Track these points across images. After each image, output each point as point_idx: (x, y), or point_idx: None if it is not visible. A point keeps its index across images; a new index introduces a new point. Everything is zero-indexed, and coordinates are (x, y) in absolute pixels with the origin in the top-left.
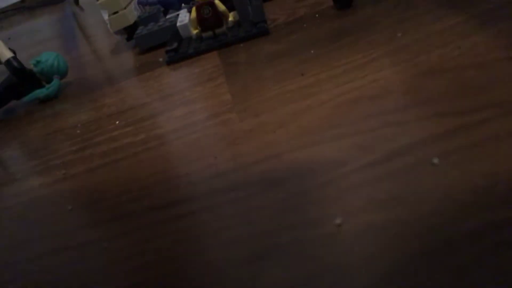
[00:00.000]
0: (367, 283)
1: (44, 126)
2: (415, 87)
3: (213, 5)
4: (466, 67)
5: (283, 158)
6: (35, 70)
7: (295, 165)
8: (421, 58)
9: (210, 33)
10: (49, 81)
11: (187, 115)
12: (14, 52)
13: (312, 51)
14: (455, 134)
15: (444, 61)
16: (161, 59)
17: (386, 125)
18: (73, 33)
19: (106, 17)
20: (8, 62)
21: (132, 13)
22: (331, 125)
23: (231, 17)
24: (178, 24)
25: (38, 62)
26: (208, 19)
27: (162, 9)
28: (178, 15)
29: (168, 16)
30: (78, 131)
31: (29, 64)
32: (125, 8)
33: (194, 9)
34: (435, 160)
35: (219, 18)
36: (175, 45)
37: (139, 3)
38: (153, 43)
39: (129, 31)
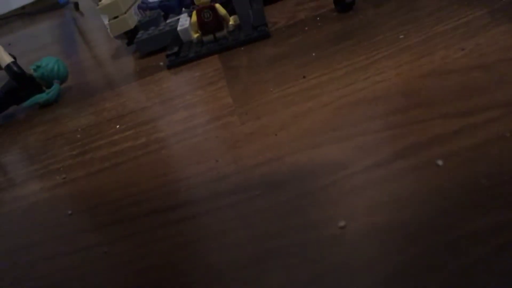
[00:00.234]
0: (371, 285)
1: (44, 131)
2: (418, 88)
3: (213, 9)
4: (470, 68)
5: (285, 161)
6: (35, 75)
7: (296, 167)
8: (424, 60)
9: (210, 36)
10: (49, 86)
11: (187, 119)
12: (14, 58)
13: (313, 54)
14: (459, 135)
15: (448, 62)
16: (161, 63)
17: (389, 127)
18: (73, 38)
19: (106, 21)
20: (8, 67)
21: (132, 18)
22: (333, 127)
23: (231, 21)
24: (178, 28)
25: (38, 67)
26: (209, 23)
27: (162, 13)
28: (178, 19)
29: (168, 21)
30: (78, 136)
31: (29, 69)
32: (125, 12)
33: (194, 13)
34: (439, 162)
35: (220, 21)
36: (175, 49)
37: (139, 7)
38: (154, 47)
39: (130, 36)
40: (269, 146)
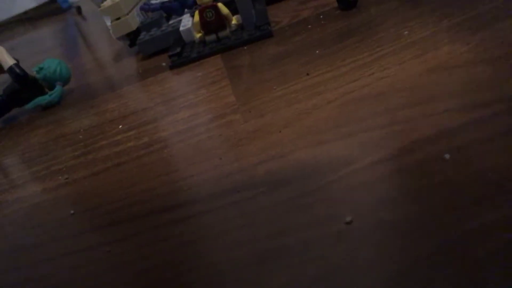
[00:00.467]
0: (379, 282)
1: (46, 133)
2: (423, 83)
3: (216, 8)
4: (476, 62)
5: (289, 158)
6: (38, 77)
7: (301, 164)
8: (429, 55)
9: (213, 36)
10: (51, 87)
11: (190, 118)
12: (17, 61)
13: (317, 52)
14: (466, 129)
15: (453, 57)
16: (164, 64)
17: (395, 122)
18: (75, 42)
19: (108, 23)
20: (10, 69)
21: (134, 19)
22: (337, 124)
23: (234, 20)
24: (181, 28)
25: (40, 69)
26: (211, 23)
27: (164, 15)
28: (181, 20)
29: (171, 22)
30: (81, 136)
31: (32, 72)
32: (127, 14)
33: (197, 12)
34: (447, 156)
35: (222, 21)
36: (178, 49)
37: (141, 9)
38: (156, 48)
39: (132, 37)
40: (273, 143)
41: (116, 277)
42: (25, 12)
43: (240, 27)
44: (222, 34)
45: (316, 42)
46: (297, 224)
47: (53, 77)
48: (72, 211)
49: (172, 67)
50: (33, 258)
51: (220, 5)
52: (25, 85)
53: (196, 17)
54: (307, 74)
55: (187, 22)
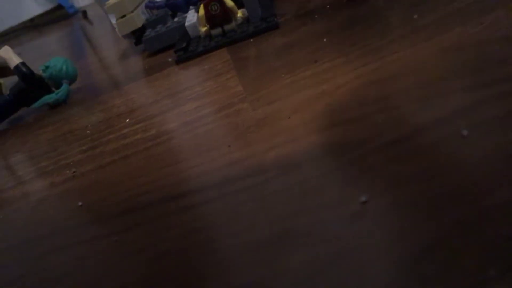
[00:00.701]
0: (396, 263)
1: (53, 130)
2: (436, 64)
3: (221, 1)
4: (490, 41)
5: (300, 142)
6: (44, 76)
7: (312, 148)
8: (441, 36)
9: (219, 30)
10: (58, 86)
11: (198, 109)
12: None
13: (324, 40)
14: (482, 106)
15: (466, 37)
16: (170, 60)
17: (409, 102)
18: (81, 44)
19: (114, 21)
20: (17, 68)
21: (139, 17)
22: (349, 107)
23: (239, 13)
24: (186, 23)
25: (47, 67)
26: (217, 16)
27: (170, 12)
28: (186, 16)
29: (176, 19)
30: (88, 132)
31: (38, 71)
32: (132, 11)
33: (201, 6)
34: (465, 132)
35: (228, 14)
36: (184, 44)
37: (146, 7)
38: (162, 45)
39: (137, 35)
40: (282, 129)
41: (126, 264)
42: (32, 19)
43: (246, 20)
44: (227, 27)
45: (323, 31)
46: (311, 206)
47: (60, 75)
48: (80, 203)
49: (178, 61)
50: (40, 250)
51: None
52: (31, 84)
53: (201, 10)
54: (316, 62)
55: (192, 17)
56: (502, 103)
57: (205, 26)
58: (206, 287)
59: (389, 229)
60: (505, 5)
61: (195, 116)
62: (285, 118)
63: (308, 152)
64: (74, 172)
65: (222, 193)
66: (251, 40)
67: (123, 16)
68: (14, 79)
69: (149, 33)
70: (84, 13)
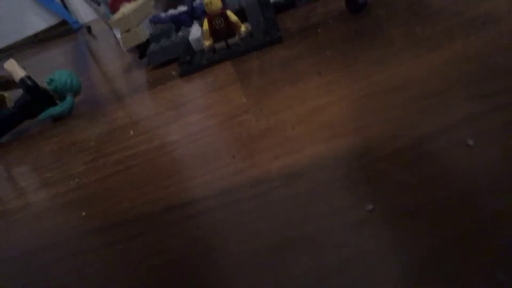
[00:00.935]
0: (403, 271)
1: (57, 142)
2: (440, 75)
3: (225, 15)
4: (493, 53)
5: (304, 152)
6: (49, 88)
7: (317, 157)
8: (444, 49)
9: (223, 43)
10: (62, 99)
11: (202, 120)
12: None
13: (327, 53)
14: (487, 115)
15: (470, 49)
16: (174, 73)
17: (413, 112)
18: (86, 58)
19: (119, 35)
20: (22, 81)
21: (144, 31)
22: (353, 118)
23: (243, 27)
24: (190, 37)
25: (51, 80)
26: (221, 30)
27: (174, 26)
28: (189, 31)
29: (180, 33)
30: (92, 143)
31: (43, 83)
32: (137, 26)
33: (206, 20)
34: (470, 142)
35: (232, 28)
36: (188, 57)
37: (151, 21)
38: (166, 58)
39: (142, 49)
40: (286, 139)
41: (130, 272)
42: (35, 35)
43: (249, 34)
44: (231, 41)
45: (326, 44)
46: (317, 214)
47: (64, 88)
48: (84, 213)
49: (182, 74)
50: (44, 260)
51: (229, 12)
52: (36, 97)
53: (205, 25)
54: (319, 74)
55: (196, 31)
56: (506, 114)
57: (209, 39)
58: None
59: (395, 237)
60: (506, 19)
61: (199, 127)
62: (288, 128)
63: (312, 162)
64: (77, 182)
65: (226, 202)
66: (255, 53)
67: (128, 31)
68: (19, 92)
69: (153, 47)
70: (89, 28)
